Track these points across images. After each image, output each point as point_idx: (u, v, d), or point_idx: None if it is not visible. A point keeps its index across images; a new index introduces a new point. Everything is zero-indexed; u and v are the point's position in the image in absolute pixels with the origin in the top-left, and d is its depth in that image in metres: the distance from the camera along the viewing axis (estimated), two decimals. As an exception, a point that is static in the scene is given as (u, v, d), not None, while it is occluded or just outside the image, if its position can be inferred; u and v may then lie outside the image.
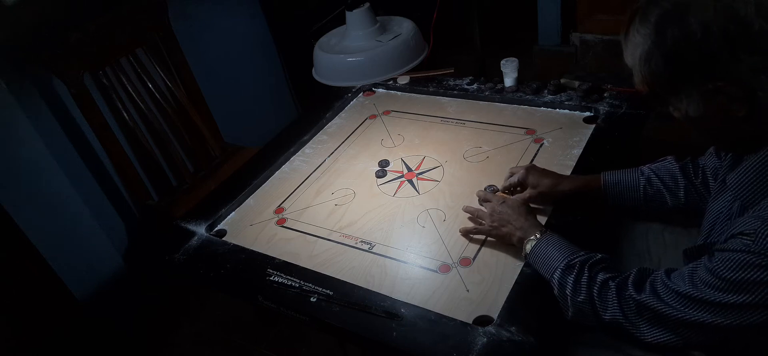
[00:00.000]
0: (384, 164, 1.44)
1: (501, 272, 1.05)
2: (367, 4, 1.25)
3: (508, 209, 1.08)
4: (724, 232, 0.83)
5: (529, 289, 1.00)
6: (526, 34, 3.07)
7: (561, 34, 2.98)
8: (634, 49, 0.79)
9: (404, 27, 1.29)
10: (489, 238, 1.13)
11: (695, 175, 1.08)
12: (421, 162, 1.42)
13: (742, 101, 0.73)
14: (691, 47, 0.72)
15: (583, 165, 1.26)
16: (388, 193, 1.34)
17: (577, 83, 1.50)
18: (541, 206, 1.17)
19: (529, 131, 1.43)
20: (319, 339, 1.83)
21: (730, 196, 0.84)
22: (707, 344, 0.83)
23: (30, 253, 1.75)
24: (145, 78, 1.94)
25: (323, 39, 1.35)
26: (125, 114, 1.89)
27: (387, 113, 1.66)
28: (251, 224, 1.33)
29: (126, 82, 1.88)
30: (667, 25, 0.74)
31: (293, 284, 1.10)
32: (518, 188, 1.20)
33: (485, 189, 1.26)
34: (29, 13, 1.72)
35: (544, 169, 1.18)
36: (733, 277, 0.74)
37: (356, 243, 1.20)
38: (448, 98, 1.65)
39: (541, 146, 1.37)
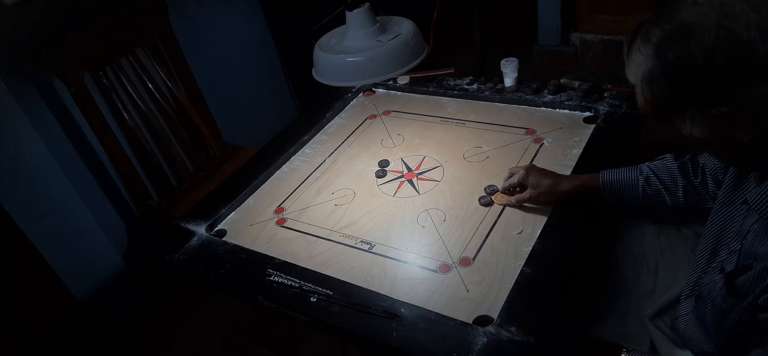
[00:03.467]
0: (384, 164, 1.44)
1: (501, 272, 1.05)
2: (367, 4, 1.25)
3: None
4: (736, 239, 0.83)
5: (529, 289, 1.00)
6: (526, 34, 3.08)
7: (561, 34, 2.98)
8: (637, 69, 0.77)
9: (404, 27, 1.30)
10: (489, 237, 1.13)
11: (694, 174, 1.08)
12: (421, 162, 1.42)
13: (747, 127, 0.71)
14: (693, 73, 0.70)
15: (583, 165, 1.26)
16: (388, 193, 1.34)
17: (577, 83, 1.50)
18: (541, 206, 1.17)
19: (529, 131, 1.43)
20: (319, 339, 1.83)
21: (754, 216, 0.81)
22: None
23: (30, 253, 1.75)
24: (145, 78, 1.94)
25: (323, 39, 1.35)
26: (125, 114, 1.89)
27: (387, 113, 1.66)
28: (251, 224, 1.33)
29: (126, 83, 1.88)
30: (669, 48, 0.71)
31: (293, 284, 1.10)
32: (518, 189, 1.20)
33: (485, 189, 1.26)
34: (29, 13, 1.72)
35: (543, 169, 1.18)
36: None
37: (356, 243, 1.20)
38: (448, 98, 1.65)
39: (541, 146, 1.37)
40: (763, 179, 0.78)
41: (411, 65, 1.27)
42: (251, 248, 1.24)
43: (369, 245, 1.19)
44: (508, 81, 1.57)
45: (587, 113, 1.44)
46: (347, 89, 1.77)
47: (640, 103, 0.80)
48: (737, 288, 0.80)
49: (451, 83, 1.69)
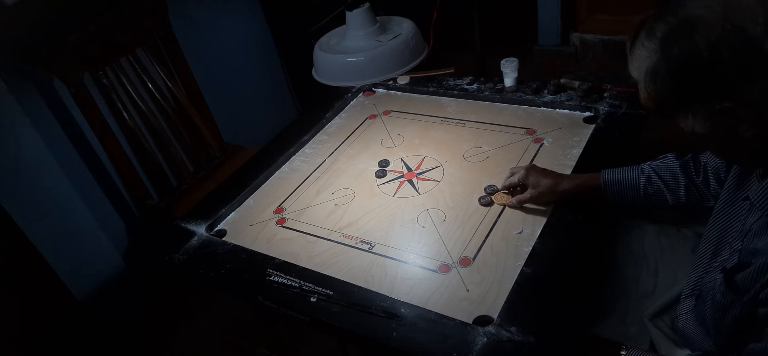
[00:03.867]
0: (384, 164, 1.44)
1: (501, 272, 1.05)
2: (367, 4, 1.25)
3: None
4: (738, 238, 0.83)
5: (529, 289, 1.00)
6: (526, 34, 3.08)
7: (561, 34, 2.98)
8: (640, 64, 0.76)
9: (404, 27, 1.30)
10: (489, 237, 1.13)
11: (696, 173, 1.08)
12: (421, 162, 1.42)
13: (750, 123, 0.71)
14: (698, 67, 0.69)
15: (583, 165, 1.26)
16: (388, 193, 1.34)
17: (577, 83, 1.50)
18: (541, 207, 1.17)
19: (529, 131, 1.43)
20: (319, 339, 1.83)
21: (756, 213, 0.81)
22: None
23: (30, 253, 1.75)
24: (145, 78, 1.94)
25: (323, 39, 1.35)
26: (125, 114, 1.89)
27: (387, 113, 1.66)
28: (251, 224, 1.33)
29: (126, 83, 1.88)
30: (673, 42, 0.71)
31: (293, 284, 1.10)
32: (518, 188, 1.20)
33: (485, 189, 1.26)
34: (29, 13, 1.72)
35: (544, 169, 1.18)
36: None
37: (356, 243, 1.20)
38: (448, 98, 1.65)
39: (541, 146, 1.37)
40: (765, 176, 0.78)
41: (411, 65, 1.27)
42: (251, 248, 1.24)
43: (369, 245, 1.19)
44: (508, 81, 1.57)
45: (587, 113, 1.44)
46: (347, 89, 1.77)
47: (642, 98, 0.79)
48: (737, 285, 0.80)
49: (451, 83, 1.69)
